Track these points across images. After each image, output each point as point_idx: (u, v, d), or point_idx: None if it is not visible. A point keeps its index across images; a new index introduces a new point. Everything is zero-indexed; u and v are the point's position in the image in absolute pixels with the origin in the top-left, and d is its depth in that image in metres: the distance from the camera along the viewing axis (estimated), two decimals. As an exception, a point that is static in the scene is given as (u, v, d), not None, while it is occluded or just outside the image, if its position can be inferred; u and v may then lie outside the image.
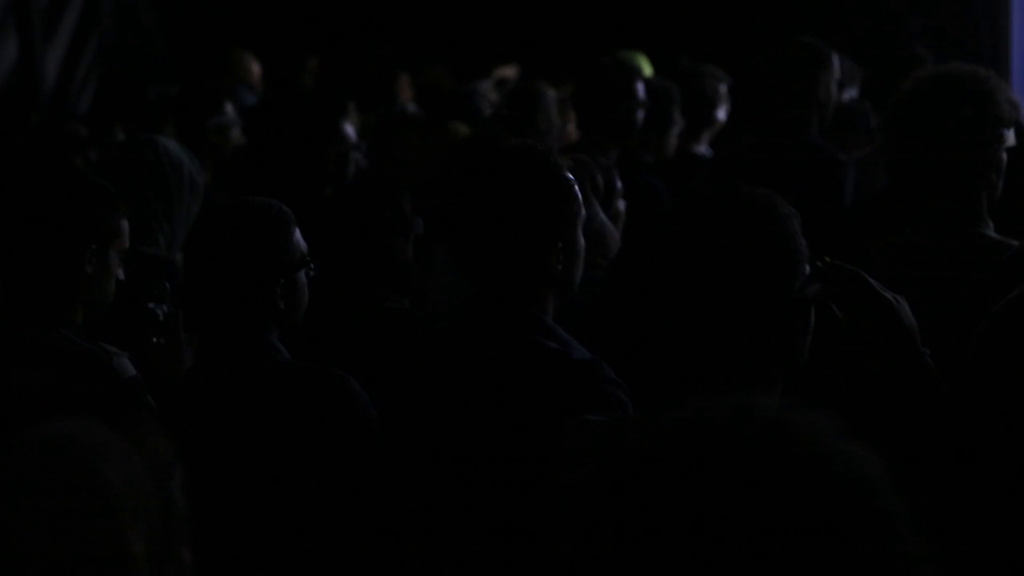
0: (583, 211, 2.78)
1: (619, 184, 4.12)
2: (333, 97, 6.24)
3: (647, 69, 6.80)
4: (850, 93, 6.41)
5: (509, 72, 8.99)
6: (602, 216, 3.88)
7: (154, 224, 4.17)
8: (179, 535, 1.63)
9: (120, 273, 3.20)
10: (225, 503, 2.90)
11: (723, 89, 6.14)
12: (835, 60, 5.07)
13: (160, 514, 1.60)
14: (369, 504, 2.85)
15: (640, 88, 5.23)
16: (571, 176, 2.76)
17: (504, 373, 2.66)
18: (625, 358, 2.97)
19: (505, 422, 2.64)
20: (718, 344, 2.17)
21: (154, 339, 3.23)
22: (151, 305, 3.26)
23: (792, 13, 7.70)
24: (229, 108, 5.66)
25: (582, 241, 2.78)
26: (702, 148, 5.98)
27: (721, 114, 6.12)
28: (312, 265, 3.07)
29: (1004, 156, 3.35)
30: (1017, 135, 3.36)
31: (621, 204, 4.15)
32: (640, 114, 5.19)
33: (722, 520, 1.07)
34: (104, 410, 1.67)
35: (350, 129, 5.35)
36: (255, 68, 8.67)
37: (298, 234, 3.04)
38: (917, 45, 7.32)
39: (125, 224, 3.21)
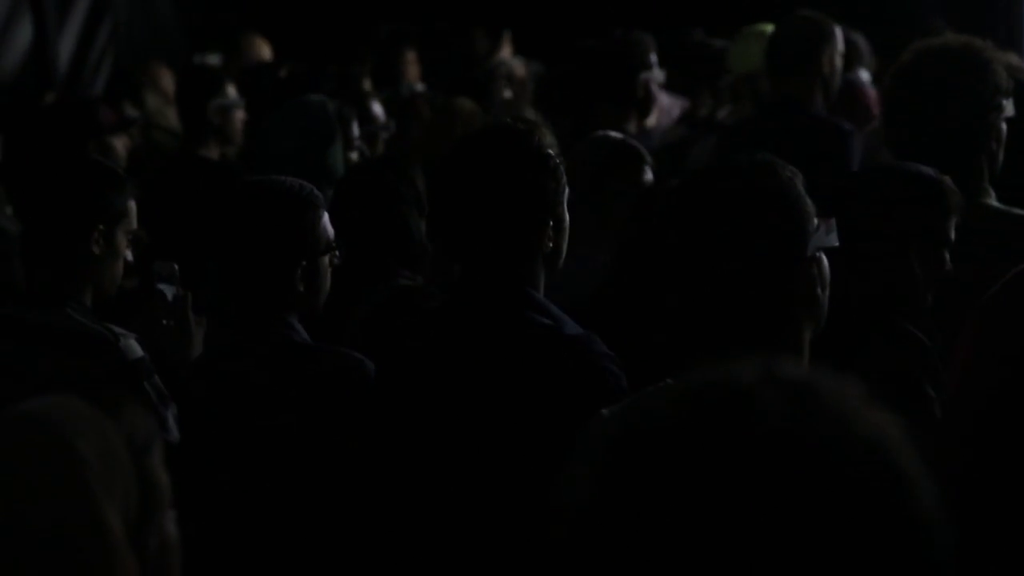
0: (567, 188, 2.80)
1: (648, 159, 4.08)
2: (358, 76, 6.23)
3: None
4: (863, 74, 6.36)
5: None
6: None
7: None
8: (159, 510, 1.63)
9: (128, 254, 3.20)
10: (238, 481, 2.90)
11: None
12: (838, 33, 5.04)
13: (138, 489, 1.59)
14: (373, 484, 2.84)
15: (654, 59, 5.21)
16: (554, 153, 2.77)
17: (499, 350, 2.68)
18: (642, 331, 2.97)
19: (500, 399, 2.65)
20: (740, 310, 2.21)
21: (163, 320, 3.23)
22: (160, 286, 3.25)
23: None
24: (231, 89, 5.64)
25: (567, 217, 2.79)
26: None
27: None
28: (338, 252, 3.06)
29: (1004, 125, 3.33)
30: (1018, 107, 3.35)
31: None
32: (658, 76, 5.18)
33: (746, 480, 1.08)
34: (81, 387, 1.66)
35: (378, 108, 5.34)
36: (266, 51, 8.65)
37: (326, 219, 3.04)
38: (934, 18, 7.28)
39: (133, 205, 3.21)
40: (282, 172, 3.24)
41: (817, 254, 2.24)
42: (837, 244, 2.26)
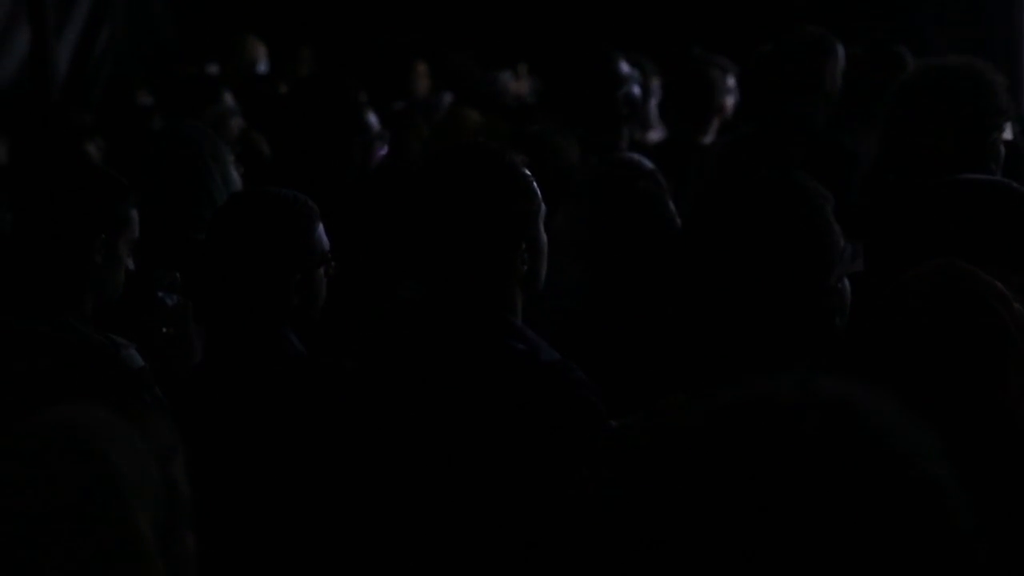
0: (543, 207, 2.72)
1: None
2: (355, 88, 6.25)
3: None
4: None
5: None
6: None
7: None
8: (183, 518, 1.64)
9: (130, 263, 3.20)
10: (233, 495, 2.90)
11: (730, 80, 6.08)
12: (840, 50, 5.05)
13: (165, 497, 1.61)
14: (361, 502, 2.82)
15: (625, 67, 5.19)
16: (529, 173, 2.70)
17: (473, 378, 2.62)
18: (667, 351, 2.97)
19: (476, 426, 2.60)
20: (756, 333, 2.21)
21: (163, 329, 3.23)
22: (160, 294, 3.25)
23: (804, 8, 7.67)
24: (228, 97, 5.65)
25: (544, 237, 2.72)
26: (708, 138, 5.92)
27: (728, 104, 6.06)
28: (333, 263, 3.05)
29: (1002, 147, 3.35)
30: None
31: None
32: (636, 91, 5.14)
33: (786, 496, 1.09)
34: (105, 395, 1.67)
35: (374, 120, 5.36)
36: (261, 51, 8.63)
37: (321, 230, 3.02)
38: (930, 32, 7.29)
39: (135, 214, 3.21)
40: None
41: (840, 284, 2.23)
42: (863, 269, 2.24)
